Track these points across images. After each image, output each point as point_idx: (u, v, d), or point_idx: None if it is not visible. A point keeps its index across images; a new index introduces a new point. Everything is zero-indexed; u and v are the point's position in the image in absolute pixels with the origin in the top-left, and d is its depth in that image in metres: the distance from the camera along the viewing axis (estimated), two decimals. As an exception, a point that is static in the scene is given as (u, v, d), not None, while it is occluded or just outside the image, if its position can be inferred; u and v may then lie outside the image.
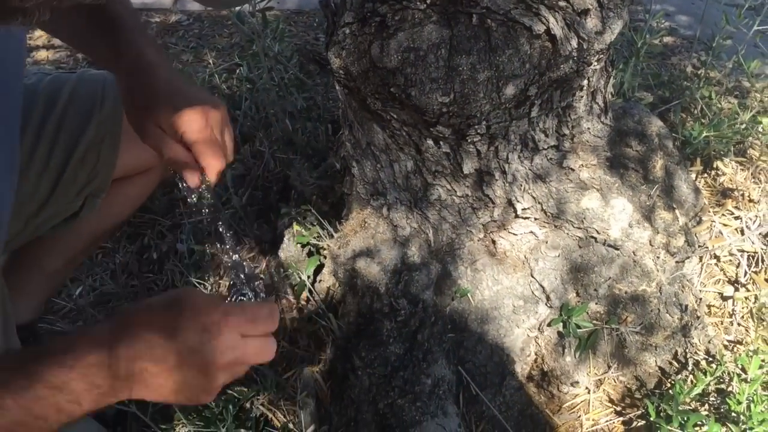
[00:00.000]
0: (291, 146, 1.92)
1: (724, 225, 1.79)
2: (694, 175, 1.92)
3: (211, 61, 2.43)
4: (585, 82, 1.36)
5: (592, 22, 1.22)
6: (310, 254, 1.64)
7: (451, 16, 1.20)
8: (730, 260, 1.75)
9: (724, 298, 1.69)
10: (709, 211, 1.78)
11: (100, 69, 1.30)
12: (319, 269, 1.63)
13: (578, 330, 1.45)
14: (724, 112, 2.19)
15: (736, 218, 1.81)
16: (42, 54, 3.07)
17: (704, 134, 1.83)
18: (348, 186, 1.53)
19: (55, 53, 3.08)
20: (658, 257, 1.50)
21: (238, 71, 2.42)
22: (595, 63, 1.31)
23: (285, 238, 1.66)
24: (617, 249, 1.49)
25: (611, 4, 1.23)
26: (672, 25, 3.04)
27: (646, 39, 1.94)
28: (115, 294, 1.81)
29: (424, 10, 1.20)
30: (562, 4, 1.18)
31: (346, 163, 1.53)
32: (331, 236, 1.55)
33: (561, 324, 1.46)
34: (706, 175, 1.95)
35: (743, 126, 2.05)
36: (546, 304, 1.47)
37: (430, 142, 1.36)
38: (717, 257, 1.75)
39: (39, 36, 3.20)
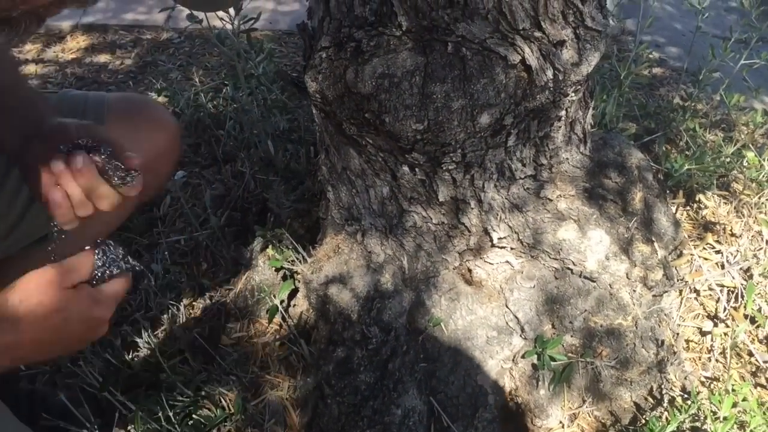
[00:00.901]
0: (272, 168, 1.90)
1: (705, 259, 1.78)
2: (675, 208, 1.91)
3: (197, 80, 2.42)
4: (563, 112, 1.35)
5: (568, 54, 1.22)
6: (285, 278, 1.62)
7: (426, 44, 1.19)
8: (710, 295, 1.73)
9: (703, 333, 1.68)
10: (690, 245, 1.76)
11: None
12: (294, 293, 1.61)
13: (553, 363, 1.43)
14: (709, 144, 2.19)
15: (717, 252, 1.80)
16: (31, 68, 3.06)
17: (687, 167, 1.82)
18: (323, 210, 1.52)
19: (44, 67, 3.07)
20: (634, 291, 1.48)
21: (224, 90, 2.41)
22: (573, 94, 1.30)
23: (260, 261, 1.64)
24: (593, 281, 1.47)
25: (588, 35, 1.22)
26: (661, 56, 3.05)
27: (631, 69, 1.93)
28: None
29: (399, 36, 1.19)
30: (538, 35, 1.17)
31: (322, 187, 1.51)
32: (306, 261, 1.53)
33: (535, 356, 1.44)
34: (688, 207, 1.94)
35: (727, 159, 2.05)
36: (520, 336, 1.45)
37: (405, 168, 1.35)
38: (697, 291, 1.74)
39: (29, 50, 3.20)
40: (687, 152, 2.12)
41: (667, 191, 1.91)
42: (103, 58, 3.15)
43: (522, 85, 1.21)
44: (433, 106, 1.19)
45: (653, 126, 2.24)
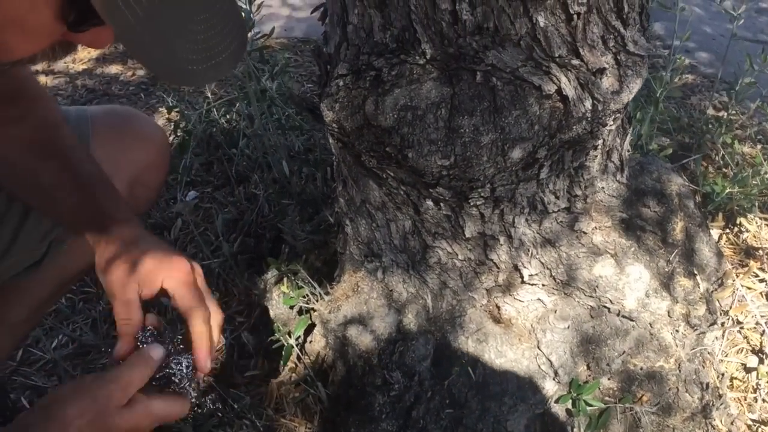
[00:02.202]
0: (287, 191, 1.81)
1: (748, 288, 1.67)
2: (715, 232, 1.80)
3: (210, 93, 2.34)
4: (600, 141, 1.25)
5: (608, 82, 1.11)
6: (300, 312, 1.53)
7: (452, 73, 1.09)
8: (755, 327, 1.62)
9: (748, 370, 1.57)
10: (733, 274, 1.65)
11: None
12: (310, 328, 1.51)
13: (588, 408, 1.32)
14: (746, 160, 2.07)
15: (761, 281, 1.69)
16: (41, 79, 2.99)
17: (727, 190, 1.71)
18: (341, 245, 1.42)
19: (54, 79, 3.01)
20: (677, 330, 1.38)
21: (237, 105, 2.32)
22: (611, 123, 1.19)
23: (274, 294, 1.55)
24: (632, 320, 1.36)
25: (629, 61, 1.12)
26: (692, 62, 2.92)
27: (666, 84, 1.82)
28: (95, 346, 1.70)
29: (423, 65, 1.09)
30: (576, 62, 1.07)
31: (339, 220, 1.42)
32: (322, 297, 1.44)
33: (570, 401, 1.33)
34: (728, 230, 1.83)
35: (767, 177, 1.93)
36: (554, 379, 1.35)
37: (429, 202, 1.25)
38: (740, 323, 1.63)
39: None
40: (725, 169, 2.00)
41: (707, 214, 1.80)
42: (114, 69, 3.07)
43: (557, 116, 1.11)
44: (461, 141, 1.09)
45: (687, 140, 2.12)
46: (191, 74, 0.66)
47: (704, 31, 3.29)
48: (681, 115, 2.35)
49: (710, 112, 2.39)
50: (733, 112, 2.22)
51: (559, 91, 1.08)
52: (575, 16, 1.01)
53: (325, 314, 1.39)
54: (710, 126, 2.19)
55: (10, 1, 0.60)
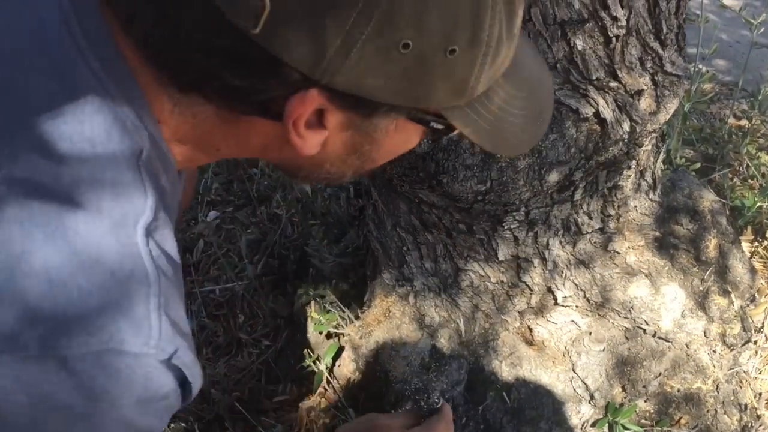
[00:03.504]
0: (310, 211, 1.79)
1: (781, 303, 1.64)
2: (745, 246, 1.78)
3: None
4: (634, 162, 1.23)
5: (645, 103, 1.09)
6: (329, 336, 1.51)
7: (488, 98, 1.07)
8: (789, 343, 1.59)
9: (783, 387, 1.54)
10: (766, 290, 1.63)
11: None
12: (339, 351, 1.49)
13: (625, 432, 1.30)
14: (772, 170, 2.04)
15: (794, 295, 1.66)
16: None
17: (758, 204, 1.69)
18: (371, 269, 1.41)
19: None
20: (714, 350, 1.35)
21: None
22: (647, 143, 1.18)
23: (301, 318, 1.53)
24: (668, 341, 1.34)
25: (666, 81, 1.10)
26: (710, 70, 2.90)
27: (692, 97, 1.80)
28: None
29: (457, 90, 1.07)
30: (614, 84, 1.05)
31: (368, 243, 1.40)
32: (352, 321, 1.42)
33: (606, 425, 1.31)
34: (756, 244, 1.80)
35: (795, 188, 1.90)
36: (589, 403, 1.33)
37: (462, 226, 1.23)
38: (773, 339, 1.60)
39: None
40: (750, 180, 1.98)
41: (737, 229, 1.77)
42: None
43: (594, 139, 1.09)
44: (497, 166, 1.08)
45: (711, 151, 2.10)
46: (525, 143, 0.70)
47: (720, 38, 3.26)
48: (703, 125, 2.32)
49: (731, 121, 2.36)
50: (757, 121, 2.19)
51: (596, 113, 1.06)
52: (614, 39, 1.00)
53: (356, 339, 1.38)
54: (733, 136, 2.17)
55: (398, 144, 0.67)
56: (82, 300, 0.51)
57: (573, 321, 1.34)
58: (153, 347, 0.54)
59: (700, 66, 2.81)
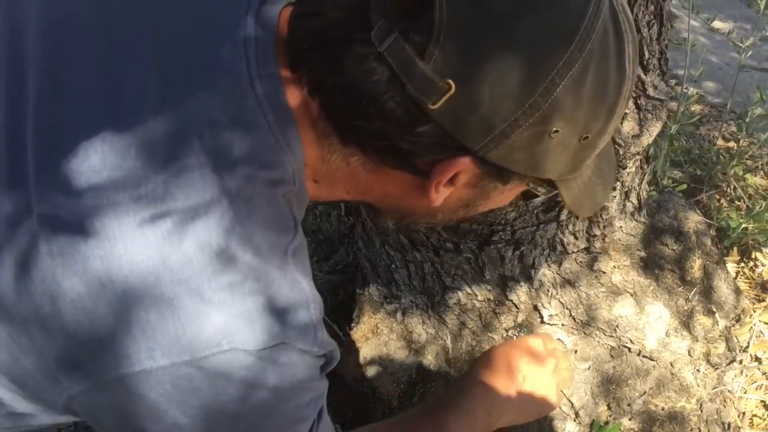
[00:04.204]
0: (303, 227, 1.81)
1: (766, 324, 1.66)
2: (731, 267, 1.80)
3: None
4: (619, 183, 1.25)
5: (628, 126, 1.12)
6: (318, 352, 1.52)
7: (474, 119, 1.10)
8: (773, 363, 1.61)
9: (767, 407, 1.55)
10: (751, 309, 1.65)
11: None
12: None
13: (610, 450, 1.32)
14: (759, 192, 2.07)
15: (779, 316, 1.68)
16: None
17: (743, 225, 1.71)
18: (360, 285, 1.42)
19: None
20: (698, 370, 1.37)
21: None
22: (631, 165, 1.20)
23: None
24: (653, 360, 1.36)
25: (649, 105, 1.13)
26: (699, 92, 2.94)
27: (679, 120, 1.83)
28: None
29: (445, 111, 1.10)
30: (597, 108, 1.08)
31: (357, 261, 1.42)
32: (340, 338, 1.43)
33: (591, 443, 1.32)
34: (743, 264, 1.82)
35: (781, 209, 1.93)
36: (575, 421, 1.34)
37: (449, 245, 1.25)
38: (758, 359, 1.62)
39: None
40: (737, 202, 2.00)
41: (723, 249, 1.80)
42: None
43: (578, 161, 1.11)
44: (483, 186, 1.10)
45: (699, 173, 2.13)
46: (598, 204, 0.82)
47: (710, 60, 3.30)
48: (691, 146, 2.35)
49: (720, 142, 2.39)
50: (744, 143, 2.22)
51: (580, 136, 1.09)
52: (597, 64, 1.02)
53: (344, 355, 1.39)
54: (721, 157, 2.20)
55: (502, 200, 0.76)
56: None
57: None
58: (317, 345, 0.64)
59: (690, 88, 2.85)
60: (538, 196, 0.73)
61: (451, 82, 0.56)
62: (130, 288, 0.55)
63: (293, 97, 0.63)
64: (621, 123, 1.10)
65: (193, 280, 0.56)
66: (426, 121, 0.58)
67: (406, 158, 0.63)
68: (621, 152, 1.12)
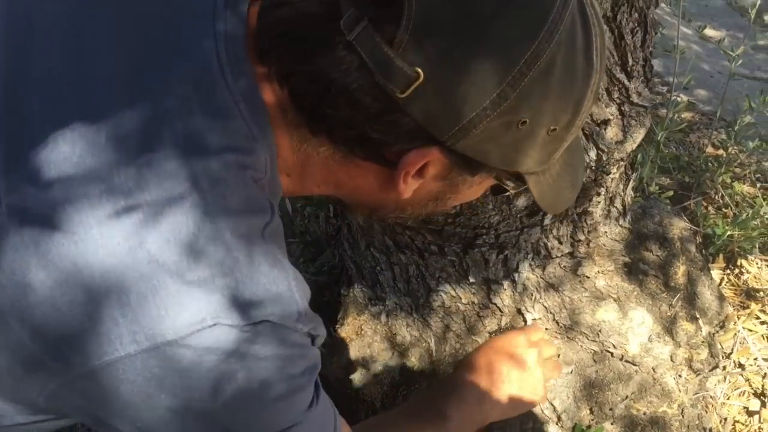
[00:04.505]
0: (290, 228, 1.81)
1: (750, 330, 1.67)
2: (716, 274, 1.81)
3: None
4: (603, 188, 1.26)
5: (612, 132, 1.13)
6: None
7: (459, 123, 1.10)
8: (757, 370, 1.62)
9: (750, 413, 1.56)
10: (735, 316, 1.66)
11: None
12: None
13: (592, 454, 1.32)
14: (746, 200, 2.08)
15: (763, 323, 1.69)
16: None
17: (728, 233, 1.72)
18: (345, 287, 1.43)
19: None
20: (680, 375, 1.38)
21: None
22: (615, 171, 1.21)
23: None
24: (635, 365, 1.36)
25: (633, 112, 1.13)
26: (690, 99, 2.95)
27: (667, 127, 1.84)
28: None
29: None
30: (581, 114, 1.08)
31: (343, 262, 1.42)
32: (325, 340, 1.44)
33: (573, 447, 1.33)
34: (728, 272, 1.83)
35: (767, 218, 1.94)
36: (557, 424, 1.35)
37: (433, 247, 1.26)
38: (742, 366, 1.63)
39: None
40: (725, 209, 2.02)
41: (707, 256, 1.81)
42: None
43: (562, 166, 1.12)
44: (466, 190, 1.10)
45: (687, 180, 2.14)
46: (567, 201, 0.82)
47: (702, 69, 3.32)
48: (681, 153, 2.37)
49: (709, 150, 2.40)
50: (732, 151, 2.23)
51: (563, 141, 1.09)
52: (580, 70, 1.03)
53: (327, 356, 1.39)
54: (710, 165, 2.21)
55: (471, 195, 0.76)
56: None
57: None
58: (301, 322, 0.64)
59: (681, 96, 2.87)
60: (507, 190, 0.74)
61: (419, 70, 0.56)
62: (101, 278, 0.54)
63: (263, 86, 0.63)
64: (604, 129, 1.11)
65: (169, 265, 0.56)
66: (395, 111, 0.58)
67: (374, 148, 0.63)
68: (605, 158, 1.13)
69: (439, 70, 0.57)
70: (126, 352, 0.55)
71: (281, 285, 0.61)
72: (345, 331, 1.39)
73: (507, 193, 0.77)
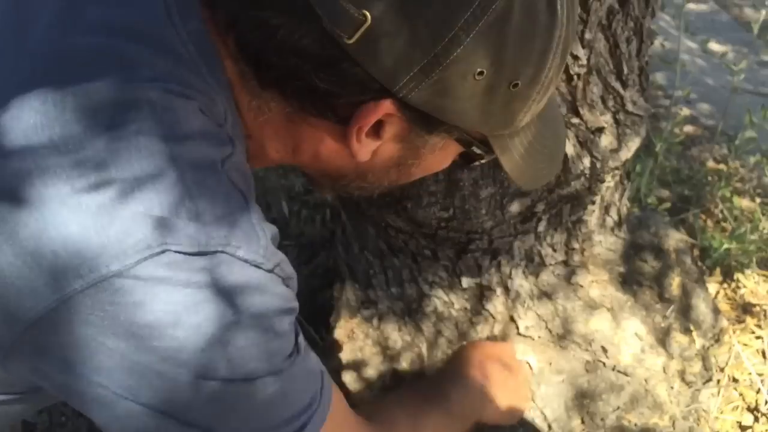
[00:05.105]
0: (285, 232, 1.82)
1: (745, 345, 1.66)
2: (713, 287, 1.80)
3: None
4: (598, 197, 1.26)
5: (606, 140, 1.13)
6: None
7: (453, 127, 1.11)
8: (750, 384, 1.61)
9: (743, 428, 1.55)
10: (730, 330, 1.65)
11: None
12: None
13: (581, 464, 1.31)
14: (745, 214, 2.08)
15: (758, 338, 1.68)
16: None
17: (725, 246, 1.72)
18: (338, 290, 1.43)
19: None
20: (672, 387, 1.37)
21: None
22: (609, 179, 1.21)
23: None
24: (627, 376, 1.36)
25: (628, 120, 1.13)
26: (693, 113, 2.95)
27: (666, 139, 1.84)
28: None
29: (424, 118, 1.11)
30: (575, 121, 1.08)
31: (337, 265, 1.42)
32: (317, 343, 1.44)
33: (563, 456, 1.32)
34: (725, 285, 1.83)
35: (765, 233, 1.93)
36: (547, 433, 1.34)
37: (427, 252, 1.26)
38: (736, 380, 1.62)
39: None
40: (723, 223, 2.01)
41: (704, 269, 1.80)
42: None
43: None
44: (460, 194, 1.10)
45: (687, 193, 2.14)
46: (543, 177, 0.80)
47: (706, 83, 3.32)
48: (681, 166, 2.36)
49: (710, 164, 2.40)
50: (733, 165, 2.23)
51: (558, 148, 1.09)
52: (575, 77, 1.03)
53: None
54: (710, 179, 2.20)
55: (436, 162, 0.74)
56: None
57: (527, 362, 1.36)
58: (262, 256, 0.58)
59: (684, 109, 2.87)
60: (476, 160, 0.71)
61: (367, 13, 0.53)
62: (61, 259, 0.51)
63: (213, 33, 0.61)
64: (599, 137, 1.11)
65: (132, 250, 0.52)
66: (343, 59, 0.56)
67: (324, 101, 0.60)
68: (599, 166, 1.13)
69: (388, 14, 0.54)
70: (71, 289, 0.51)
71: (239, 216, 0.57)
72: (337, 334, 1.39)
73: (476, 163, 0.73)
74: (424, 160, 0.70)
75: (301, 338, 0.68)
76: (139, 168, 0.53)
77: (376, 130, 0.63)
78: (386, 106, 0.59)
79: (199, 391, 0.57)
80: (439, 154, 0.71)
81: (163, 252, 0.52)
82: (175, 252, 0.53)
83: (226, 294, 0.55)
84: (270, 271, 0.60)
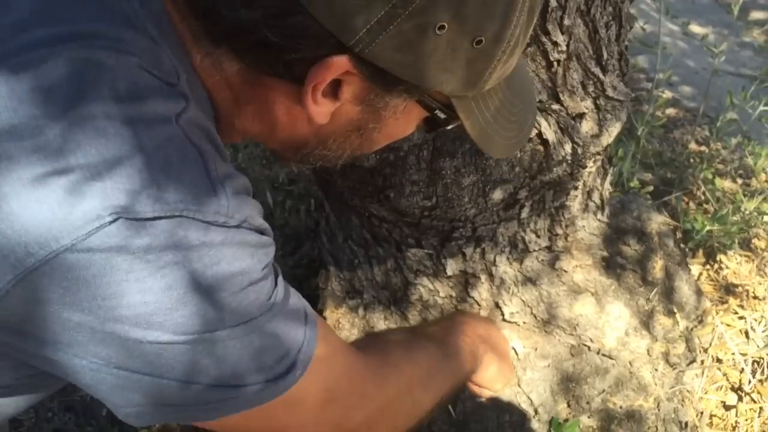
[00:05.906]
0: (269, 223, 1.81)
1: (728, 325, 1.68)
2: (696, 269, 1.82)
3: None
4: (580, 182, 1.26)
5: (587, 125, 1.13)
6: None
7: (434, 116, 1.10)
8: (734, 364, 1.63)
9: (727, 408, 1.57)
10: (713, 311, 1.67)
11: None
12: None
13: (568, 447, 1.33)
14: (727, 196, 2.09)
15: (741, 318, 1.70)
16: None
17: (707, 228, 1.73)
18: (323, 280, 1.42)
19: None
20: (656, 369, 1.39)
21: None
22: (591, 165, 1.21)
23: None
24: (612, 359, 1.37)
25: (608, 106, 1.14)
26: (675, 96, 2.96)
27: (648, 122, 1.84)
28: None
29: (405, 107, 1.10)
30: (556, 107, 1.09)
31: (321, 255, 1.42)
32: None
33: (549, 440, 1.33)
34: (708, 267, 1.84)
35: (747, 213, 1.95)
36: (534, 418, 1.35)
37: (411, 240, 1.26)
38: (719, 361, 1.64)
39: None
40: (706, 205, 2.03)
41: (687, 250, 1.82)
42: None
43: (538, 159, 1.12)
44: (442, 183, 1.10)
45: (669, 175, 2.15)
46: (512, 147, 0.76)
47: (688, 65, 3.33)
48: (663, 149, 2.37)
49: (692, 146, 2.42)
50: (715, 147, 2.25)
51: (539, 134, 1.09)
52: (555, 63, 1.03)
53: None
54: (692, 161, 2.22)
55: (399, 128, 0.71)
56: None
57: (513, 348, 1.37)
58: (224, 215, 0.56)
59: (665, 91, 2.88)
60: (441, 126, 0.68)
61: None
62: (13, 240, 0.49)
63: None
64: (579, 123, 1.11)
65: (81, 221, 0.50)
66: (297, 11, 0.54)
67: (277, 57, 0.58)
68: (580, 151, 1.13)
69: None
70: (23, 268, 0.49)
71: (195, 175, 0.55)
72: (323, 324, 1.39)
73: (440, 129, 0.71)
74: (386, 124, 0.68)
75: (280, 279, 0.66)
76: (85, 141, 0.50)
77: (334, 90, 0.61)
78: (342, 63, 0.57)
79: (180, 347, 0.56)
80: (402, 119, 0.68)
81: (114, 220, 0.50)
82: (129, 219, 0.50)
83: (190, 255, 0.54)
84: (237, 227, 0.58)
